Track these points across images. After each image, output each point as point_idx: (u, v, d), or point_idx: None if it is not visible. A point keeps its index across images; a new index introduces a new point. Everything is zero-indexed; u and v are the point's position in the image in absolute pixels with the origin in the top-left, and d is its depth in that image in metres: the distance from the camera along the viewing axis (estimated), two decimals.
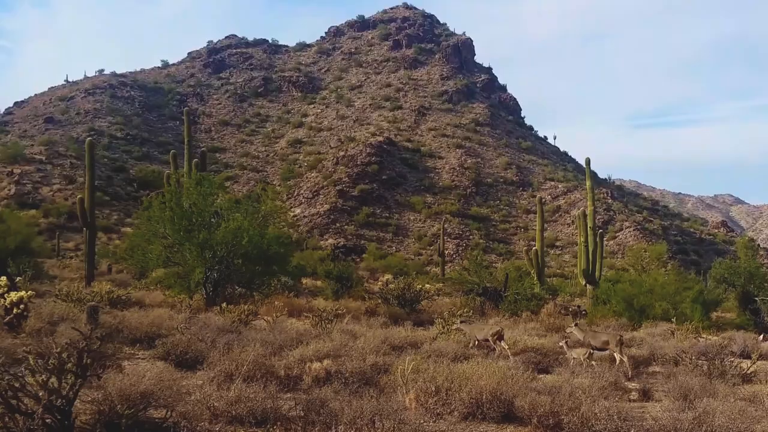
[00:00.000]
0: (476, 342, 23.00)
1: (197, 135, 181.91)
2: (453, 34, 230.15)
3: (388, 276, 47.93)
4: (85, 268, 44.91)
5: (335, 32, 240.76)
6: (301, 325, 26.50)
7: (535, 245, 50.87)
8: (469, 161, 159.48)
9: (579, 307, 41.92)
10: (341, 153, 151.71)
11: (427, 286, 58.62)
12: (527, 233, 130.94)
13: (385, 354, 18.70)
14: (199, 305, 31.21)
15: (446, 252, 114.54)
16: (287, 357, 17.09)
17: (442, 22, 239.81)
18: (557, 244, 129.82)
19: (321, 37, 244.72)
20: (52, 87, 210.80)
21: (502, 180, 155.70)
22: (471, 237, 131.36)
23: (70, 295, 26.23)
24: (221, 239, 32.90)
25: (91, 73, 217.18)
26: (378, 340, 21.43)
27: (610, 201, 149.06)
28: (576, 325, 24.09)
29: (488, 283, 41.48)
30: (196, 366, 15.78)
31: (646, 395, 17.11)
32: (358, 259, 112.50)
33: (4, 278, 20.04)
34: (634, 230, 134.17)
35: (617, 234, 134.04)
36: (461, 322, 25.27)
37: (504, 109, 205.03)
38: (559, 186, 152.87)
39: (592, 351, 20.96)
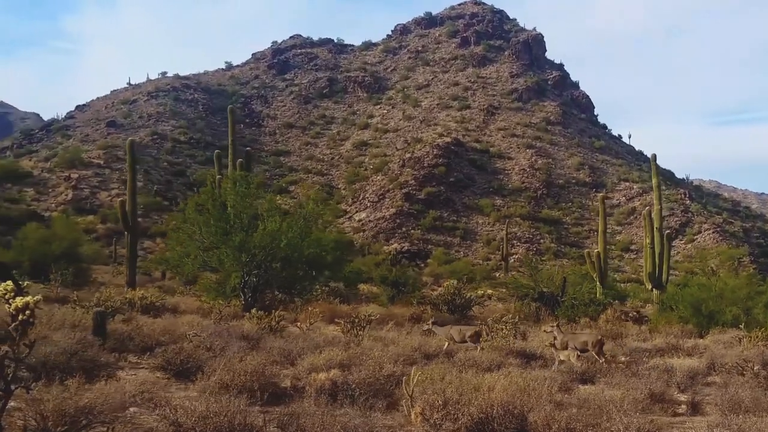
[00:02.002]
0: (453, 343, 23.14)
1: (261, 138, 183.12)
2: (523, 29, 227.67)
3: (450, 282, 47.02)
4: (127, 273, 44.77)
5: (402, 30, 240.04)
6: (338, 332, 25.87)
7: (597, 247, 49.50)
8: (540, 162, 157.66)
9: (639, 312, 40.66)
10: (407, 155, 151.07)
11: (489, 291, 57.86)
12: (606, 238, 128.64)
13: (411, 363, 17.94)
14: (235, 311, 30.81)
15: (516, 257, 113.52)
16: (298, 366, 16.47)
17: (511, 18, 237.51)
18: (632, 247, 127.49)
19: (387, 35, 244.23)
20: (115, 90, 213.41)
21: (574, 181, 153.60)
22: (542, 241, 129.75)
23: (89, 301, 25.86)
24: (259, 242, 32.36)
25: (153, 76, 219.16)
26: (410, 348, 20.76)
27: (687, 202, 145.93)
28: (557, 325, 23.47)
29: (545, 287, 40.44)
30: (197, 376, 15.18)
31: (695, 408, 16.21)
32: (422, 265, 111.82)
33: (9, 283, 19.59)
34: (713, 233, 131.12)
35: (695, 237, 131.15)
36: (432, 323, 25.23)
37: (576, 107, 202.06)
38: (634, 187, 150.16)
39: (579, 352, 20.65)
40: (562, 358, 20.66)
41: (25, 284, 21.02)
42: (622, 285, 77.41)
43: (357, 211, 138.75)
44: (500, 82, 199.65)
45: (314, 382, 14.29)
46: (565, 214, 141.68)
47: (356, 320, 24.38)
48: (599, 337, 22.12)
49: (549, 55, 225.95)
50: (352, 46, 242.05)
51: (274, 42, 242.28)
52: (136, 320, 22.53)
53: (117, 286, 43.54)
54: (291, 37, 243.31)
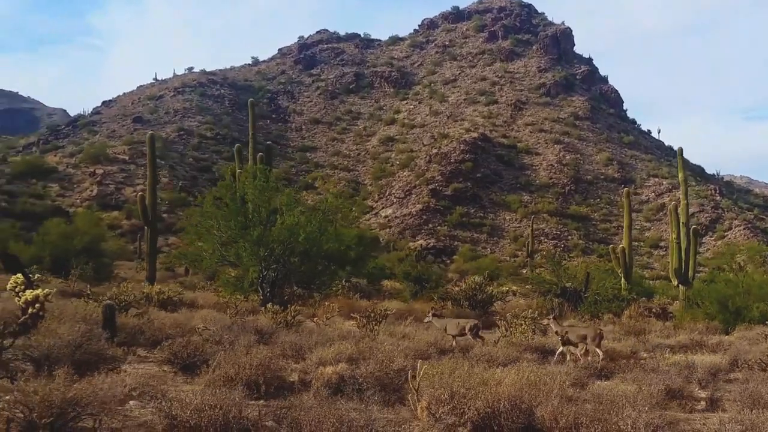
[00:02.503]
0: (452, 337, 23.11)
1: (287, 134, 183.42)
2: (551, 23, 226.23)
3: (472, 277, 46.79)
4: (147, 268, 44.85)
5: (429, 25, 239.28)
6: (354, 327, 25.75)
7: (622, 243, 49.10)
8: (568, 157, 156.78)
9: (664, 308, 40.27)
10: (434, 150, 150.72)
11: (513, 287, 57.56)
12: (632, 234, 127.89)
13: (425, 357, 17.78)
14: (253, 306, 30.76)
15: (543, 253, 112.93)
16: (307, 360, 16.34)
17: (539, 12, 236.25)
18: (661, 244, 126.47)
19: (414, 30, 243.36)
20: (141, 86, 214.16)
21: (602, 177, 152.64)
22: (569, 237, 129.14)
23: (103, 295, 25.85)
24: (277, 236, 32.21)
25: (180, 71, 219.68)
26: (425, 343, 20.62)
27: (718, 198, 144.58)
28: (554, 318, 23.61)
29: (567, 283, 40.13)
30: (202, 370, 15.08)
31: (714, 404, 16.04)
32: (448, 261, 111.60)
33: (20, 276, 19.61)
34: (744, 229, 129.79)
35: (726, 233, 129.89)
36: (432, 315, 24.89)
37: (605, 102, 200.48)
38: (664, 183, 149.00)
39: (587, 347, 20.57)
40: (563, 351, 20.60)
41: (36, 278, 20.93)
42: (651, 282, 76.69)
43: (383, 208, 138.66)
44: (528, 76, 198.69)
45: (321, 376, 14.15)
46: (593, 210, 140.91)
47: (372, 315, 24.25)
48: (598, 331, 21.97)
49: (578, 49, 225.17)
50: (379, 40, 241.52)
51: (301, 37, 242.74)
52: (148, 314, 22.41)
53: (139, 281, 43.78)
54: (317, 32, 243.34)
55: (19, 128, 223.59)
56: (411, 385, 12.48)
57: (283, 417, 9.92)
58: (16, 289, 19.18)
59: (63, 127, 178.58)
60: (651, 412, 12.42)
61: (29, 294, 18.55)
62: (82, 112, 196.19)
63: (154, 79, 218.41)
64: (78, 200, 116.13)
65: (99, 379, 11.68)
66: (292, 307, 25.34)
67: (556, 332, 21.94)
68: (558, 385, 13.51)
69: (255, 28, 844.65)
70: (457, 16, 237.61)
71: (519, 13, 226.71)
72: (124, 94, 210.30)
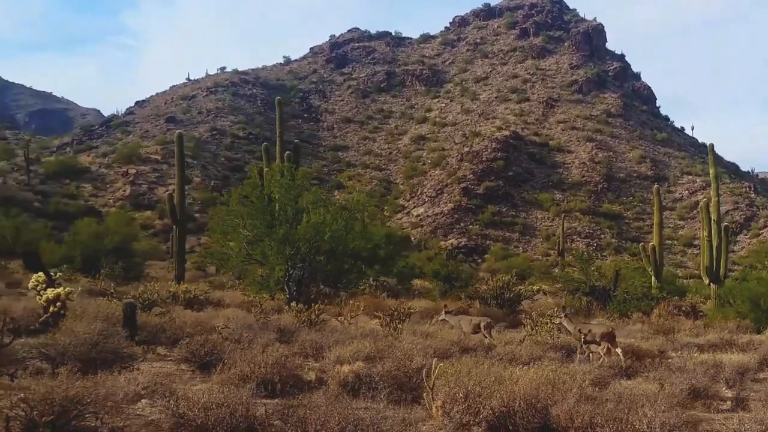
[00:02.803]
0: (463, 334, 22.99)
1: (319, 133, 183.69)
2: (583, 20, 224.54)
3: (499, 276, 46.65)
4: (175, 267, 45.06)
5: (460, 22, 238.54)
6: (378, 326, 25.72)
7: (652, 241, 48.72)
8: (601, 155, 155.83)
9: (695, 307, 39.90)
10: (466, 149, 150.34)
11: (543, 287, 57.34)
12: (662, 231, 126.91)
13: (446, 356, 17.71)
14: (279, 305, 30.79)
15: (573, 252, 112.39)
16: (325, 359, 16.34)
17: (571, 8, 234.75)
18: (695, 242, 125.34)
19: (445, 27, 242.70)
20: (174, 86, 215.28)
21: (635, 175, 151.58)
22: (602, 236, 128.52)
23: (127, 294, 25.97)
24: (303, 235, 32.20)
25: (212, 71, 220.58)
26: (448, 342, 20.54)
27: (752, 196, 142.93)
28: (566, 316, 23.26)
29: (596, 281, 39.88)
30: (217, 368, 15.08)
31: (739, 404, 15.85)
32: (479, 260, 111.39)
33: (41, 274, 19.76)
34: None
35: (761, 231, 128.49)
36: (446, 312, 24.95)
37: (638, 99, 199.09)
38: (698, 180, 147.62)
39: (610, 346, 20.28)
40: (592, 351, 20.37)
41: (58, 276, 21.08)
42: (684, 281, 76.16)
43: (415, 207, 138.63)
44: (560, 73, 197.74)
45: (337, 374, 14.12)
46: (626, 208, 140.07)
47: (395, 313, 24.21)
48: (611, 329, 21.78)
49: (610, 45, 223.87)
50: (410, 39, 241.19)
51: (332, 36, 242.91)
52: (170, 313, 22.48)
53: (169, 281, 43.92)
54: (349, 31, 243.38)
55: (53, 129, 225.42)
56: (426, 384, 12.43)
57: (290, 416, 9.86)
58: (38, 288, 19.37)
59: (96, 127, 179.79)
60: (670, 412, 12.34)
61: (50, 292, 18.74)
62: (115, 113, 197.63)
63: (186, 78, 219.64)
64: (111, 200, 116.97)
65: (110, 377, 11.76)
66: (316, 305, 25.32)
67: (569, 331, 21.82)
68: (577, 385, 13.40)
69: (287, 27, 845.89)
70: (488, 13, 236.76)
71: (551, 10, 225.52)
72: (157, 94, 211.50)
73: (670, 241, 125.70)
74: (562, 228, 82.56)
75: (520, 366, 16.14)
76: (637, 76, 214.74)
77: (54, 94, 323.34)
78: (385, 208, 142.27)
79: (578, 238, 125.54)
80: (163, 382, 11.78)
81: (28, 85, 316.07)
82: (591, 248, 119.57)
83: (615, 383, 15.76)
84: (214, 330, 19.08)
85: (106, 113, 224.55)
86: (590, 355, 20.47)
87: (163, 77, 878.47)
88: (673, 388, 15.78)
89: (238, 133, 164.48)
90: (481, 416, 11.49)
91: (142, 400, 11.23)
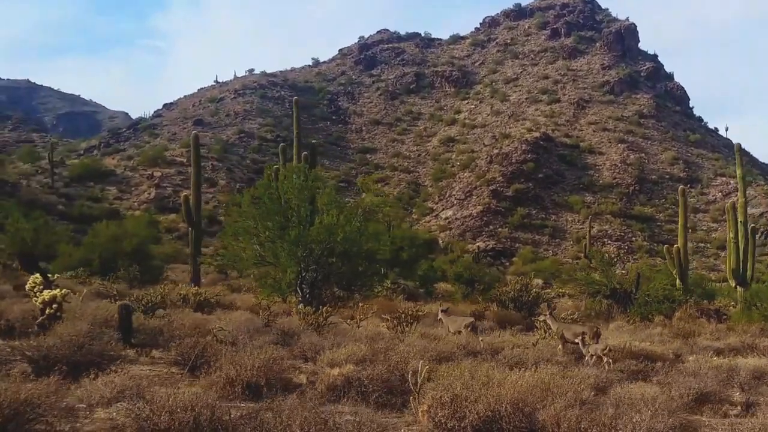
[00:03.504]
0: (450, 333, 23.24)
1: (348, 135, 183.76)
2: (615, 19, 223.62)
3: (517, 278, 46.35)
4: (191, 270, 45.00)
5: (490, 23, 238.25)
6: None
7: (677, 243, 48.06)
8: (632, 157, 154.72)
9: (718, 310, 39.30)
10: (495, 151, 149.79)
11: (567, 290, 56.80)
12: (695, 234, 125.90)
13: (447, 359, 17.41)
14: (290, 308, 30.58)
15: (607, 255, 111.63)
16: (318, 362, 16.09)
17: (603, 8, 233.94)
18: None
19: (475, 28, 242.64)
20: (202, 88, 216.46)
21: (667, 176, 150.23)
22: (633, 239, 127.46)
23: (129, 296, 25.82)
24: (315, 236, 31.89)
25: (241, 73, 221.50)
26: (454, 345, 20.24)
27: None
28: (550, 314, 23.36)
29: (617, 284, 39.38)
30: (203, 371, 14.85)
31: (749, 409, 15.50)
32: (507, 263, 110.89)
33: (38, 276, 19.63)
34: None
35: None
36: (442, 312, 24.94)
37: (671, 100, 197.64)
38: (731, 182, 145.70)
39: (608, 347, 19.90)
40: (591, 353, 20.00)
41: (55, 278, 20.94)
42: (716, 284, 75.32)
43: (443, 209, 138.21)
44: (591, 74, 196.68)
45: (325, 377, 13.84)
46: (658, 210, 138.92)
47: (402, 316, 23.95)
48: (595, 329, 21.93)
49: (642, 45, 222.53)
50: (440, 40, 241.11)
51: (361, 37, 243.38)
52: (169, 315, 22.28)
53: (185, 283, 43.80)
54: (378, 32, 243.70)
55: (81, 132, 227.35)
56: (412, 388, 12.14)
57: (249, 420, 9.63)
58: (35, 290, 19.23)
59: (124, 130, 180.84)
60: (669, 417, 12.01)
61: (47, 294, 18.57)
62: (143, 115, 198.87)
63: (214, 81, 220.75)
64: (136, 203, 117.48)
65: (86, 381, 11.55)
66: (324, 308, 25.07)
67: (581, 338, 21.59)
68: (572, 389, 13.07)
69: (315, 29, 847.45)
70: (519, 13, 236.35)
71: (582, 10, 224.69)
72: (185, 96, 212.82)
73: (702, 244, 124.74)
74: (589, 229, 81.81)
75: (521, 369, 15.89)
76: (670, 77, 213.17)
77: (82, 96, 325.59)
78: (414, 210, 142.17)
79: (609, 241, 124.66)
80: (140, 385, 11.54)
81: (56, 88, 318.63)
82: (623, 251, 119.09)
83: (619, 387, 15.37)
84: (210, 333, 18.83)
85: (134, 116, 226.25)
86: (591, 357, 20.20)
87: (191, 80, 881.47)
88: (680, 392, 15.48)
89: (265, 135, 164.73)
90: (466, 421, 11.18)
91: (118, 404, 10.99)
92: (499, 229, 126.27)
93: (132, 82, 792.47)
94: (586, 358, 19.94)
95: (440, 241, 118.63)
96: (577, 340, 20.93)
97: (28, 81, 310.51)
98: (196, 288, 33.02)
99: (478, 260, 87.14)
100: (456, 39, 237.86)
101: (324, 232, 31.81)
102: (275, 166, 37.58)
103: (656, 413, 11.90)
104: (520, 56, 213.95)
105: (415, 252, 62.14)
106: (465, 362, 15.67)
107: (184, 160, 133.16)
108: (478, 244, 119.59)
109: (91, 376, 12.08)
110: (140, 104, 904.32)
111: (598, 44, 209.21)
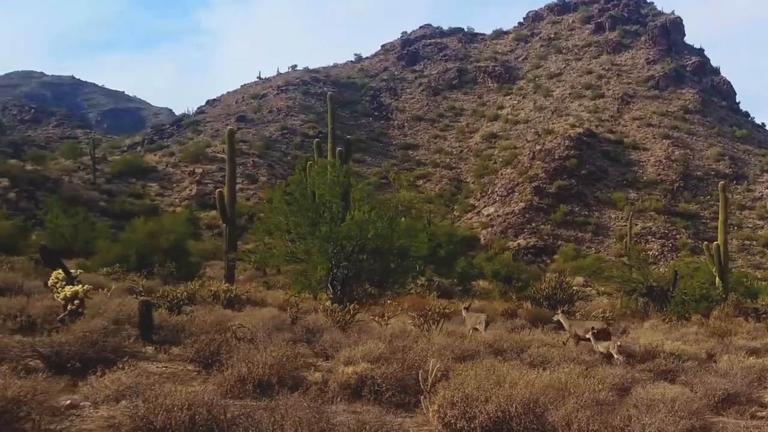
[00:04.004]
0: (468, 330, 23.84)
1: (390, 131, 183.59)
2: (661, 13, 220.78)
3: (552, 275, 46.05)
4: (225, 267, 45.03)
5: (534, 17, 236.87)
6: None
7: (717, 240, 47.44)
8: (677, 153, 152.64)
9: (757, 309, 38.71)
10: (538, 147, 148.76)
11: (605, 288, 56.33)
12: (741, 231, 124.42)
13: (470, 358, 17.26)
14: (332, 306, 30.48)
15: (650, 253, 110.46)
16: (334, 360, 16.00)
17: (648, 1, 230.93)
18: None
19: (519, 23, 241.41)
20: (245, 84, 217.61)
21: (713, 173, 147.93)
22: (678, 236, 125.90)
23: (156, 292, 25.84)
24: (347, 232, 31.75)
25: (284, 69, 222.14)
26: (479, 343, 20.07)
27: None
28: (562, 312, 23.67)
29: (654, 281, 38.91)
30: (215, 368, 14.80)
31: None
32: (548, 261, 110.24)
33: (60, 272, 19.69)
34: None
35: None
36: (464, 309, 25.73)
37: (717, 94, 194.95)
38: None
39: (618, 343, 20.11)
40: (600, 350, 20.09)
41: (78, 273, 20.97)
42: (763, 282, 74.38)
43: (485, 206, 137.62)
44: (636, 69, 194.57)
45: (339, 376, 13.74)
46: (703, 208, 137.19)
47: (429, 313, 23.83)
48: (604, 326, 22.22)
49: (688, 39, 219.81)
50: (483, 35, 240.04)
51: (404, 32, 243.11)
52: (192, 312, 22.26)
53: (220, 279, 43.84)
54: (421, 27, 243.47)
55: (125, 128, 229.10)
56: (423, 387, 12.00)
57: (241, 418, 9.56)
58: (57, 285, 19.29)
59: (167, 126, 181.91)
60: (690, 418, 11.82)
61: (68, 290, 18.61)
62: (186, 112, 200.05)
63: (257, 77, 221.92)
64: (177, 200, 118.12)
65: (92, 378, 11.53)
66: (351, 305, 24.95)
67: (591, 334, 21.61)
68: (589, 388, 12.85)
69: (358, 25, 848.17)
70: (563, 7, 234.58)
71: (627, 3, 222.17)
72: (228, 92, 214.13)
73: (748, 242, 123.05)
74: (629, 228, 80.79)
75: (543, 369, 15.72)
76: (717, 71, 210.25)
77: (126, 93, 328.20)
78: (455, 207, 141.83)
79: (653, 239, 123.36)
80: (142, 383, 11.47)
81: (100, 84, 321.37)
82: (667, 249, 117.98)
83: (639, 388, 15.09)
84: (229, 329, 18.77)
85: (178, 112, 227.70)
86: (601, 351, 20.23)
87: (235, 76, 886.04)
88: (706, 393, 15.24)
89: (308, 132, 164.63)
90: (476, 421, 11.03)
91: (122, 402, 10.96)
92: (542, 227, 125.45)
93: (177, 78, 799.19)
94: (597, 354, 19.92)
95: (482, 239, 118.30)
96: (588, 336, 20.95)
97: (72, 77, 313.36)
98: (227, 285, 32.99)
99: (518, 258, 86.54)
100: (499, 34, 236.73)
101: (355, 229, 31.70)
102: (309, 162, 37.36)
103: (674, 415, 11.71)
104: (564, 51, 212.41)
105: (452, 249, 61.94)
106: (486, 361, 15.49)
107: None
108: (519, 241, 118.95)
109: (98, 374, 12.04)
110: (184, 101, 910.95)
111: (642, 38, 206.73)
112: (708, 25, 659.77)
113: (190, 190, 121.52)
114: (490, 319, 25.03)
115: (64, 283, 19.20)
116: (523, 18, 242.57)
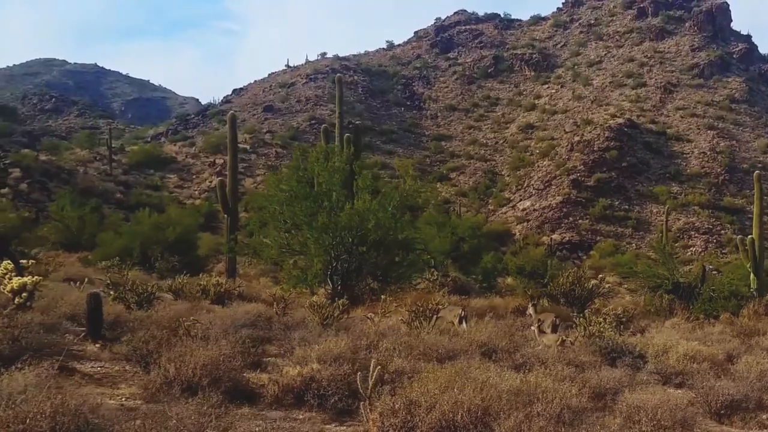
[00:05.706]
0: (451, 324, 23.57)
1: (422, 122, 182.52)
2: None
3: (571, 271, 44.84)
4: (226, 260, 44.09)
5: (573, 2, 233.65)
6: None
7: (752, 234, 46.00)
8: (722, 144, 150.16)
9: None
10: (576, 138, 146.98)
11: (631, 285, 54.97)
12: (762, 222, 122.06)
13: (450, 358, 16.20)
14: (320, 301, 29.51)
15: (694, 249, 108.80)
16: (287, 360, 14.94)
17: None
18: None
19: (557, 8, 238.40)
20: (272, 73, 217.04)
21: (760, 165, 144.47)
22: (723, 232, 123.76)
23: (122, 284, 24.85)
24: (346, 223, 30.60)
25: (312, 57, 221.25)
26: (470, 342, 19.02)
27: None
28: (533, 305, 24.53)
29: (681, 278, 37.54)
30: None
31: None
32: (584, 257, 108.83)
33: (9, 263, 18.76)
34: None
35: None
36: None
37: (765, 83, 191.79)
38: None
39: (565, 338, 20.44)
40: (544, 342, 20.27)
41: (30, 264, 20.11)
42: None
43: (521, 200, 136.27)
44: (680, 56, 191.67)
45: (283, 378, 12.65)
46: (750, 202, 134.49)
47: (420, 310, 22.77)
48: (554, 319, 22.92)
49: (735, 25, 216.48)
50: (520, 21, 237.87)
51: (438, 19, 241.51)
52: (153, 307, 21.26)
53: (221, 273, 42.99)
54: (455, 13, 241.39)
55: (150, 118, 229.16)
56: (362, 392, 10.91)
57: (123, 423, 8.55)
58: (6, 277, 18.40)
59: (192, 116, 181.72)
60: (672, 428, 10.70)
61: (16, 282, 17.72)
62: (212, 101, 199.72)
63: (286, 65, 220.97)
64: (196, 191, 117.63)
65: None
66: (341, 300, 23.92)
67: (537, 326, 21.75)
68: (561, 394, 11.67)
69: (390, 11, 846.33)
70: None
71: None
72: (255, 81, 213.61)
73: None
74: (666, 222, 79.32)
75: (527, 371, 14.68)
76: (765, 59, 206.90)
77: (151, 82, 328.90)
78: (490, 201, 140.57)
79: (696, 234, 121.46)
80: (49, 383, 10.46)
81: (124, 73, 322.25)
82: (710, 245, 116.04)
83: (625, 394, 13.89)
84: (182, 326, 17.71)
85: (205, 102, 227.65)
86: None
87: (262, 64, 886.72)
88: (709, 399, 14.12)
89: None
90: (418, 431, 9.90)
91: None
92: (579, 221, 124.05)
93: (204, 67, 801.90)
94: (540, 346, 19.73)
95: (516, 234, 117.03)
96: (545, 329, 20.93)
97: (96, 65, 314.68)
98: (217, 279, 31.96)
99: (552, 253, 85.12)
100: (537, 20, 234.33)
101: (355, 218, 30.60)
102: (303, 147, 36.35)
103: (655, 424, 10.58)
104: (605, 38, 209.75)
105: (477, 243, 60.71)
106: (457, 363, 14.35)
107: (248, 147, 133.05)
108: (554, 236, 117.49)
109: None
110: (211, 90, 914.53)
111: (687, 24, 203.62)
112: (756, 10, 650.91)
113: (210, 181, 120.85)
114: (466, 314, 24.38)
115: (13, 274, 18.28)
116: (562, 3, 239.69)
